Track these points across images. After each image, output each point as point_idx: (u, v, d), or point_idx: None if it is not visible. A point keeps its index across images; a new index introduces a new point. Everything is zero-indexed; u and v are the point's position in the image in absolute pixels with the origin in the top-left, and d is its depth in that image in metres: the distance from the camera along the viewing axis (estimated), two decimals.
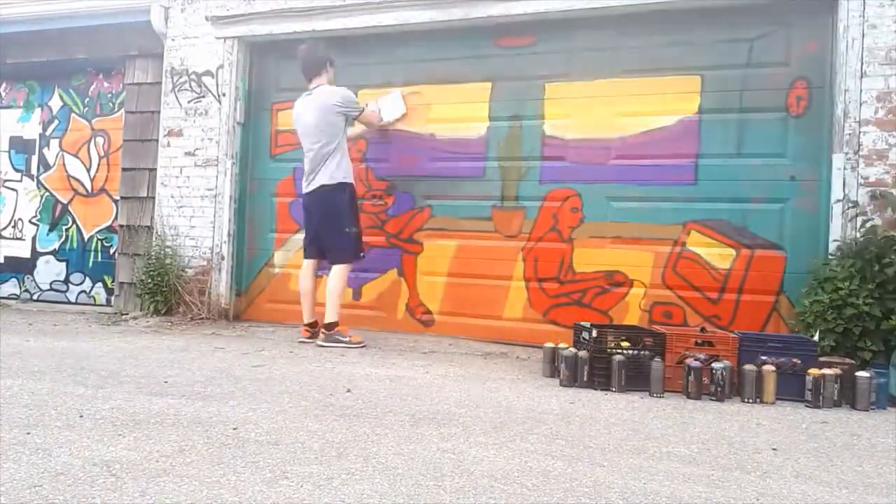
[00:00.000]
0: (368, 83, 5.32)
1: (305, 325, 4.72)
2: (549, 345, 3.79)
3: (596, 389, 3.33)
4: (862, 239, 3.78)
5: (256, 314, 5.60)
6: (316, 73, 4.73)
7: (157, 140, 5.85)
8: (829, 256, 3.95)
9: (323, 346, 4.48)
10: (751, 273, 4.35)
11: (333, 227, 4.57)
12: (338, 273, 4.57)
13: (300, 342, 4.65)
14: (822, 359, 3.39)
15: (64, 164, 6.53)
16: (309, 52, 4.77)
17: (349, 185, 4.63)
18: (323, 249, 4.66)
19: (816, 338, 3.51)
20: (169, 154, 5.78)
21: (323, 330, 4.57)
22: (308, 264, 4.76)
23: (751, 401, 3.21)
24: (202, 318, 5.42)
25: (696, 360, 3.32)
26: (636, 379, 3.34)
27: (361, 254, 4.70)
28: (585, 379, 3.40)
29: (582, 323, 3.84)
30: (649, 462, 2.27)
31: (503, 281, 4.88)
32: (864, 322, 3.55)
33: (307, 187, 4.68)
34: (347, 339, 4.52)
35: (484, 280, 4.94)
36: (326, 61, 4.75)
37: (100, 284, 6.24)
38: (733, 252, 4.40)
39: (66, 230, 6.46)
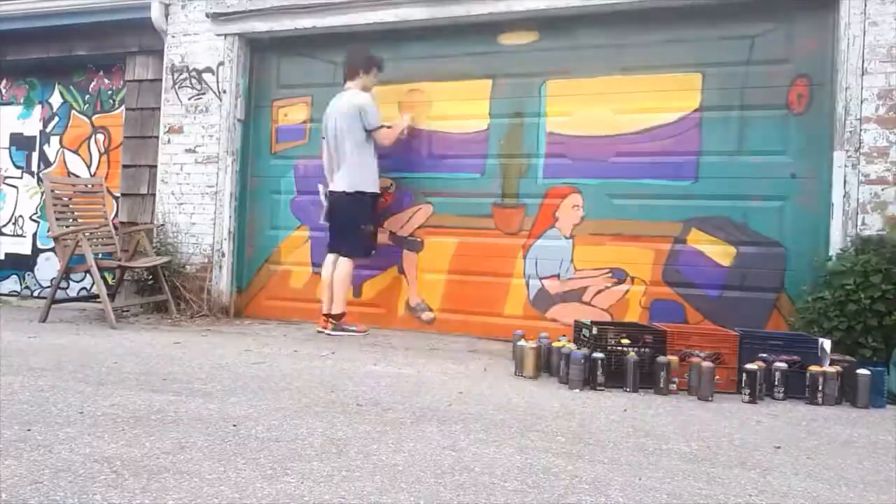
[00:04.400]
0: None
1: (325, 314, 4.85)
2: (519, 342, 3.73)
3: (596, 387, 3.33)
4: (877, 237, 3.76)
5: (257, 311, 5.61)
6: (350, 75, 4.84)
7: (157, 137, 5.85)
8: (839, 252, 3.93)
9: (331, 335, 4.70)
10: (751, 270, 4.35)
11: (348, 224, 4.76)
12: (345, 266, 4.77)
13: (317, 332, 4.81)
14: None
15: (64, 161, 6.53)
16: (350, 51, 4.92)
17: (368, 196, 4.76)
18: (340, 243, 4.84)
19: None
20: (169, 151, 5.78)
21: (331, 320, 4.76)
22: (330, 258, 4.87)
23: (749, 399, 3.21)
24: (203, 315, 5.42)
25: (699, 357, 3.33)
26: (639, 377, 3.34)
27: (373, 251, 4.89)
28: (586, 376, 3.39)
29: (582, 320, 3.84)
30: (650, 459, 2.28)
31: (504, 278, 4.89)
32: (866, 319, 3.55)
33: (329, 185, 4.88)
34: (353, 328, 4.77)
35: (485, 277, 4.95)
36: (362, 66, 4.82)
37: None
38: (734, 249, 4.39)
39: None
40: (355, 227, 4.75)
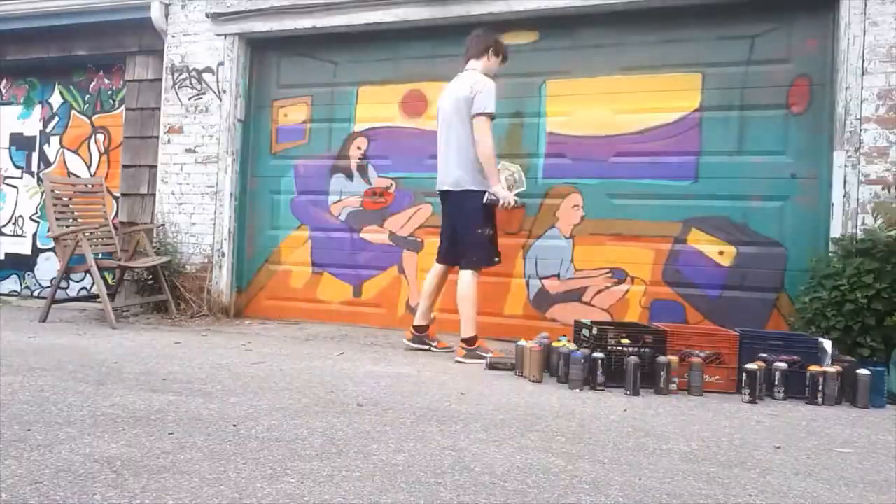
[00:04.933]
0: (369, 80, 5.33)
1: (414, 326, 4.35)
2: (523, 342, 3.69)
3: (596, 387, 3.33)
4: (868, 238, 3.76)
5: (257, 311, 5.61)
6: (470, 57, 4.20)
7: (157, 137, 5.85)
8: (830, 254, 3.95)
9: (462, 363, 3.98)
10: (751, 270, 4.35)
11: (466, 228, 4.10)
12: (469, 280, 4.07)
13: (407, 346, 4.34)
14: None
15: (64, 161, 6.53)
16: (475, 34, 4.26)
17: (481, 194, 4.03)
18: (457, 252, 4.20)
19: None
20: (169, 151, 5.78)
21: (462, 345, 4.07)
22: (440, 267, 4.33)
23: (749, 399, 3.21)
24: (203, 315, 5.42)
25: (699, 357, 3.33)
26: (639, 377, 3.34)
27: (496, 258, 4.20)
28: (586, 376, 3.39)
29: (582, 320, 3.84)
30: (649, 459, 2.28)
31: (504, 278, 4.88)
32: (864, 318, 3.55)
33: (439, 184, 4.26)
34: (489, 355, 3.93)
35: (484, 277, 4.92)
36: (487, 49, 4.17)
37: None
38: (734, 249, 4.40)
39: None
40: (471, 227, 4.08)
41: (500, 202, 4.04)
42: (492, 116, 4.00)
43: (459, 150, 4.06)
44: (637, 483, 2.03)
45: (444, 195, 4.23)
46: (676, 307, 4.48)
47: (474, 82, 4.00)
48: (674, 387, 3.31)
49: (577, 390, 3.30)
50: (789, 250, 4.28)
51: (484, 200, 4.02)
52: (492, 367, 3.81)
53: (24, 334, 4.45)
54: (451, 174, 4.12)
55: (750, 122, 4.39)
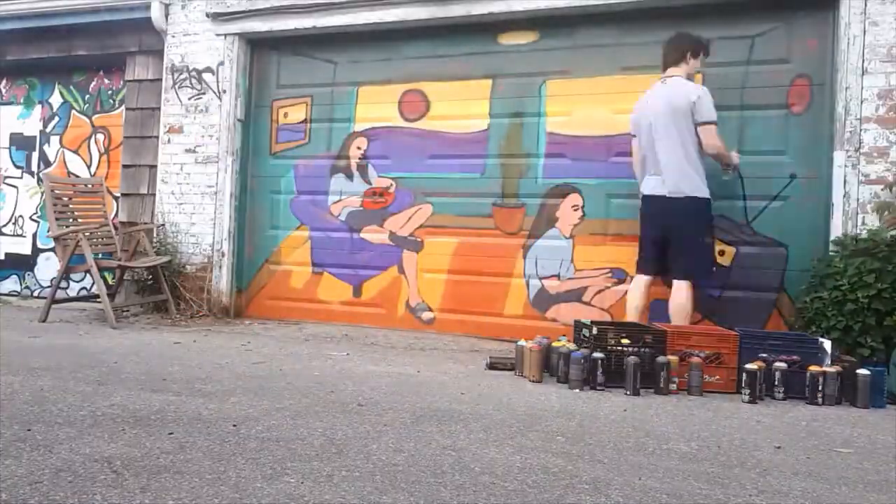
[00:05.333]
0: (369, 80, 5.33)
1: None
2: (522, 342, 3.68)
3: (596, 387, 3.33)
4: (868, 238, 3.76)
5: (257, 311, 5.61)
6: (671, 62, 4.09)
7: (157, 137, 5.85)
8: (831, 253, 3.94)
9: None
10: (751, 270, 4.35)
11: (686, 237, 3.96)
12: (687, 293, 3.93)
13: None
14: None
15: (64, 161, 6.53)
16: (674, 36, 4.16)
17: (702, 201, 3.95)
18: (667, 262, 4.05)
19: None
20: (169, 151, 5.78)
21: None
22: (644, 281, 4.11)
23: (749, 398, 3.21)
24: (203, 315, 5.42)
25: (699, 357, 3.33)
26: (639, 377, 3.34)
27: (714, 268, 4.14)
28: (586, 376, 3.39)
29: (582, 320, 3.84)
30: (649, 459, 2.28)
31: (504, 278, 4.89)
32: (864, 318, 3.55)
33: (645, 189, 4.11)
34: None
35: (485, 277, 4.95)
36: (688, 50, 4.06)
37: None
38: (734, 249, 4.39)
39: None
40: (693, 236, 3.94)
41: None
42: (713, 122, 3.95)
43: (682, 157, 3.93)
44: (637, 483, 2.03)
45: (656, 201, 4.03)
46: None
47: (694, 96, 3.91)
48: (674, 387, 3.31)
49: (578, 390, 3.30)
50: (789, 250, 4.28)
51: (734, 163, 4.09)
52: (492, 367, 3.81)
53: (24, 334, 4.45)
54: (664, 182, 3.97)
55: (750, 121, 4.39)
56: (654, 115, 4.02)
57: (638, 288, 4.12)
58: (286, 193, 5.58)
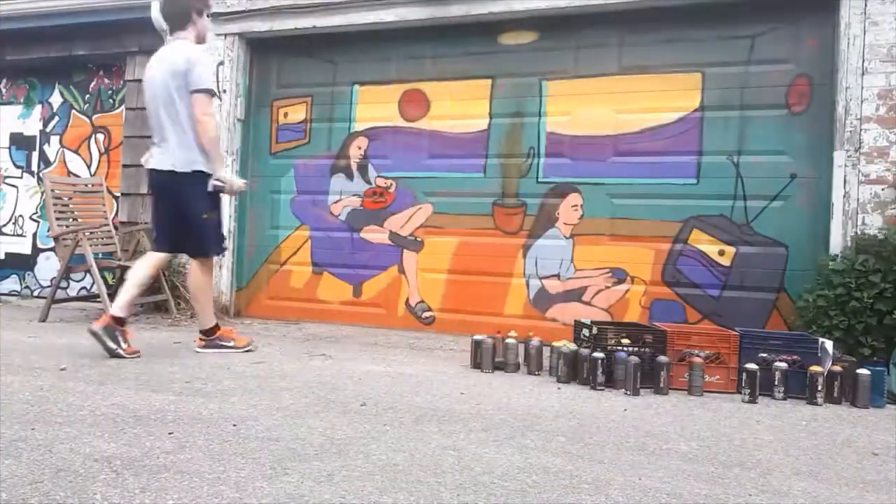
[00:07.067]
0: (369, 80, 5.33)
1: (113, 317, 3.68)
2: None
3: (596, 387, 3.33)
4: (876, 237, 3.76)
5: (257, 311, 5.61)
6: (177, 26, 3.81)
7: None
8: (841, 251, 3.94)
9: (202, 353, 3.90)
10: (751, 270, 4.35)
11: (192, 216, 3.78)
12: (200, 268, 3.91)
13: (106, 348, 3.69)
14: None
15: (64, 161, 6.53)
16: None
17: (205, 175, 3.72)
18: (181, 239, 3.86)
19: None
20: None
21: (201, 336, 3.98)
22: (158, 258, 3.91)
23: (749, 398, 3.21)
24: None
25: (699, 357, 3.33)
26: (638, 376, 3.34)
27: (224, 242, 4.13)
28: (585, 376, 3.40)
29: (582, 320, 3.84)
30: (650, 459, 2.28)
31: (504, 278, 4.89)
32: (867, 318, 3.55)
33: (151, 162, 3.80)
34: (232, 342, 3.96)
35: (484, 277, 4.95)
36: (192, 10, 3.78)
37: None
38: (734, 249, 4.40)
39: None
40: (202, 217, 3.78)
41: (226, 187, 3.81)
42: (212, 93, 3.72)
43: (184, 128, 3.70)
44: (637, 483, 2.03)
45: (161, 175, 3.76)
46: (676, 307, 4.48)
47: (189, 53, 3.65)
48: (674, 387, 3.30)
49: (578, 390, 3.30)
50: (789, 250, 4.28)
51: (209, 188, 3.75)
52: (492, 367, 3.81)
53: (24, 334, 4.45)
54: (173, 153, 3.72)
55: (750, 121, 4.40)
56: (157, 82, 3.70)
57: (147, 262, 3.84)
58: (286, 193, 5.58)
